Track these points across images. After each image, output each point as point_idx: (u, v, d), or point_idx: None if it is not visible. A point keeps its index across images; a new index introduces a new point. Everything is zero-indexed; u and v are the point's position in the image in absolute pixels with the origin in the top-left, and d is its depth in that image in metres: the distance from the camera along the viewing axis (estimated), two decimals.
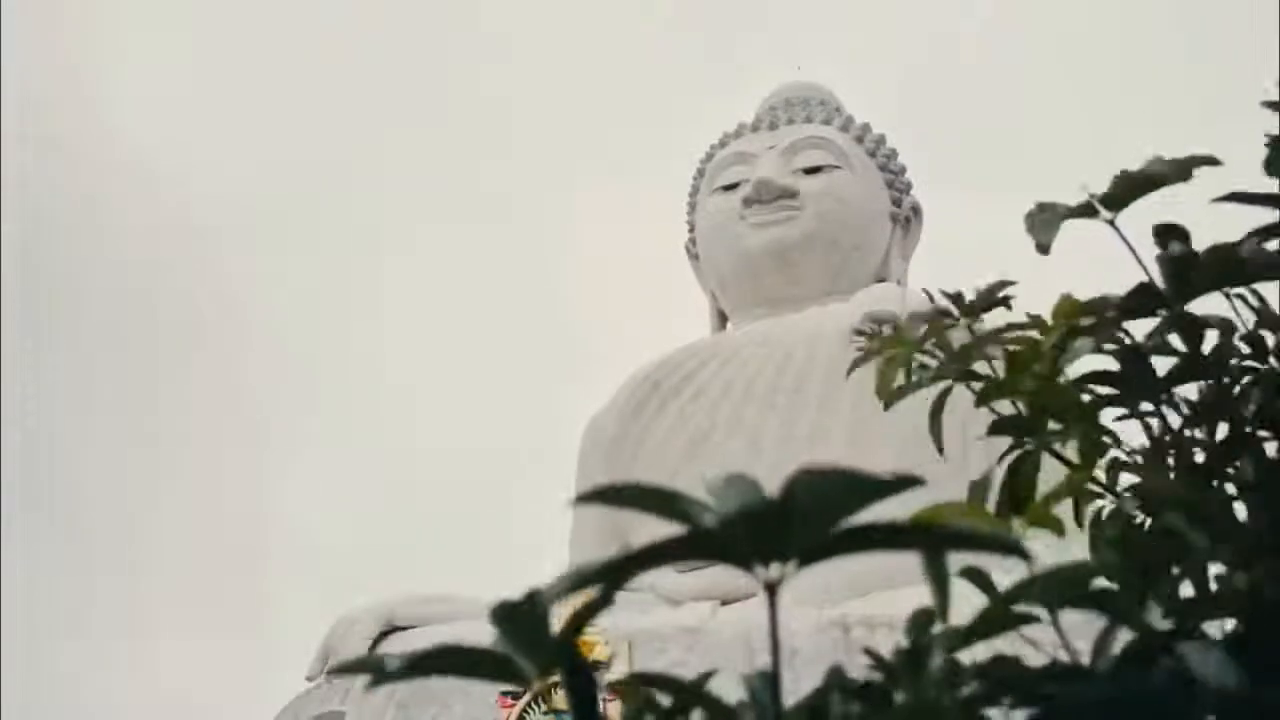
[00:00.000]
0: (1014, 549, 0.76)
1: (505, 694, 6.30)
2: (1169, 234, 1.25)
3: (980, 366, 1.54)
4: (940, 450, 1.61)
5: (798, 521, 0.71)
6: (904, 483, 0.72)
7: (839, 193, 9.68)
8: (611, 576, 0.72)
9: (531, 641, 0.76)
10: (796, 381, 8.46)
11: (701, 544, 0.72)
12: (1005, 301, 1.52)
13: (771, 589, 0.71)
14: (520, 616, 0.77)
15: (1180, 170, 1.21)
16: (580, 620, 0.77)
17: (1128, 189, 1.23)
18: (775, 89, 10.77)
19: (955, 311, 1.54)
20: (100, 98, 18.51)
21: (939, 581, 0.83)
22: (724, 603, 7.29)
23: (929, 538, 0.76)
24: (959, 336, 1.59)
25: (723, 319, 10.35)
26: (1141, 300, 1.29)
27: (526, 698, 6.24)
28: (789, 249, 9.49)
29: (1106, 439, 1.60)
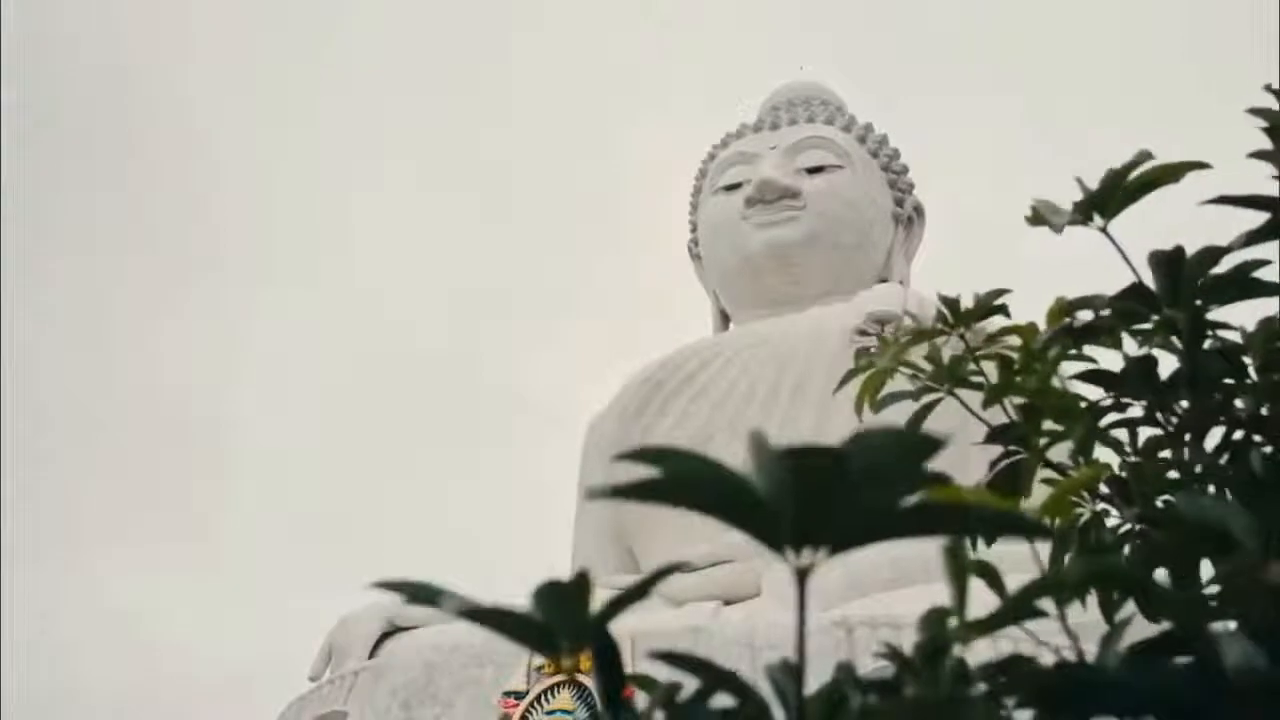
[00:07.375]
0: (1040, 530, 0.76)
1: (508, 694, 6.32)
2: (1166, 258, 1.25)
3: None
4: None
5: (841, 505, 0.72)
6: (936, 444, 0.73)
7: (841, 193, 9.66)
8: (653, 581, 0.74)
9: (570, 619, 0.79)
10: (798, 381, 8.45)
11: (740, 519, 0.73)
12: (1002, 309, 1.51)
13: (802, 575, 0.72)
14: (563, 595, 0.79)
15: (1170, 173, 1.21)
16: (617, 607, 0.80)
17: (1118, 196, 1.23)
18: (777, 89, 10.75)
19: (949, 320, 1.53)
20: None
21: (958, 574, 0.84)
22: (726, 603, 7.30)
23: (965, 520, 0.76)
24: (951, 345, 1.59)
25: (725, 318, 10.34)
26: (1135, 302, 1.30)
27: (530, 698, 6.26)
28: (791, 249, 9.48)
29: (1103, 443, 1.60)
